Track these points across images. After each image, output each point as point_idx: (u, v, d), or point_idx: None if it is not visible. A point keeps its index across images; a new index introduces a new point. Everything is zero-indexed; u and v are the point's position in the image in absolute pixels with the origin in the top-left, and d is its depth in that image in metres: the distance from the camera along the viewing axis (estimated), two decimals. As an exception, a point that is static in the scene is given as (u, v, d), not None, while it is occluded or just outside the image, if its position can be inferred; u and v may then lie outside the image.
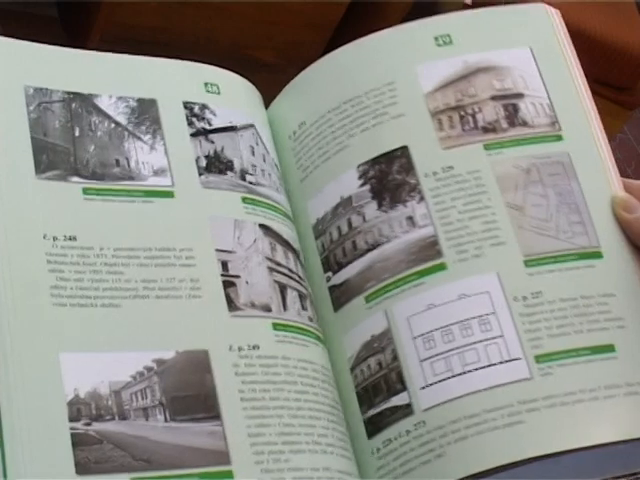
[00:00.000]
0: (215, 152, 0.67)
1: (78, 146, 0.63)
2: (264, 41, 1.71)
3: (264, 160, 0.68)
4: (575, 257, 0.62)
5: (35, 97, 0.63)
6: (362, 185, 0.66)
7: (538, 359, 0.60)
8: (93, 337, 0.57)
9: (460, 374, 0.60)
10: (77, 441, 0.53)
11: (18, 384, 0.54)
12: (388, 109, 0.67)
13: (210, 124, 0.68)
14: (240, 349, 0.60)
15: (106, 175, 0.63)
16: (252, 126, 0.69)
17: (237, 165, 0.67)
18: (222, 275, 0.62)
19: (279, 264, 0.64)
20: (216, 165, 0.66)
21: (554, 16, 0.70)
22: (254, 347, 0.60)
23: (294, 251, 0.66)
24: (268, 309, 0.62)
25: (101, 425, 0.55)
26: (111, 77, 0.67)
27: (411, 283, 0.63)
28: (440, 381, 0.60)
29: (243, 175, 0.67)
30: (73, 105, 0.64)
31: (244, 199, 0.65)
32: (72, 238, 0.59)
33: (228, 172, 0.66)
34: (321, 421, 0.60)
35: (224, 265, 0.62)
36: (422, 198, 0.64)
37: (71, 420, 0.54)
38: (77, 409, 0.54)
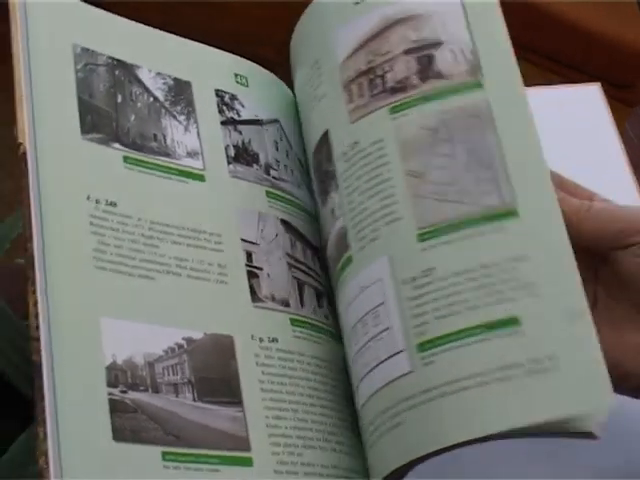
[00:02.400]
0: (243, 143, 0.67)
1: (120, 113, 0.62)
2: (264, 38, 1.70)
3: (287, 156, 0.69)
4: (478, 221, 0.55)
5: (82, 57, 0.62)
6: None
7: (421, 347, 0.54)
8: (130, 306, 0.56)
9: (363, 378, 0.57)
10: (114, 407, 0.52)
11: (59, 343, 0.52)
12: (317, 91, 0.64)
13: (239, 115, 0.68)
14: (261, 340, 0.60)
15: (145, 147, 0.62)
16: (277, 121, 0.69)
17: (262, 159, 0.67)
18: (246, 265, 0.62)
19: (298, 260, 0.65)
20: (244, 156, 0.66)
21: None
22: (273, 340, 0.60)
23: (312, 247, 0.67)
24: (287, 304, 0.62)
25: (136, 394, 0.54)
26: (151, 51, 0.66)
27: (338, 280, 0.61)
28: (356, 386, 0.59)
29: (267, 169, 0.67)
30: (116, 72, 0.63)
31: (268, 193, 0.66)
32: (113, 204, 0.58)
33: (254, 164, 0.66)
34: (332, 419, 0.60)
35: (249, 255, 0.62)
36: (337, 185, 0.61)
37: (109, 385, 0.53)
38: (115, 375, 0.53)
